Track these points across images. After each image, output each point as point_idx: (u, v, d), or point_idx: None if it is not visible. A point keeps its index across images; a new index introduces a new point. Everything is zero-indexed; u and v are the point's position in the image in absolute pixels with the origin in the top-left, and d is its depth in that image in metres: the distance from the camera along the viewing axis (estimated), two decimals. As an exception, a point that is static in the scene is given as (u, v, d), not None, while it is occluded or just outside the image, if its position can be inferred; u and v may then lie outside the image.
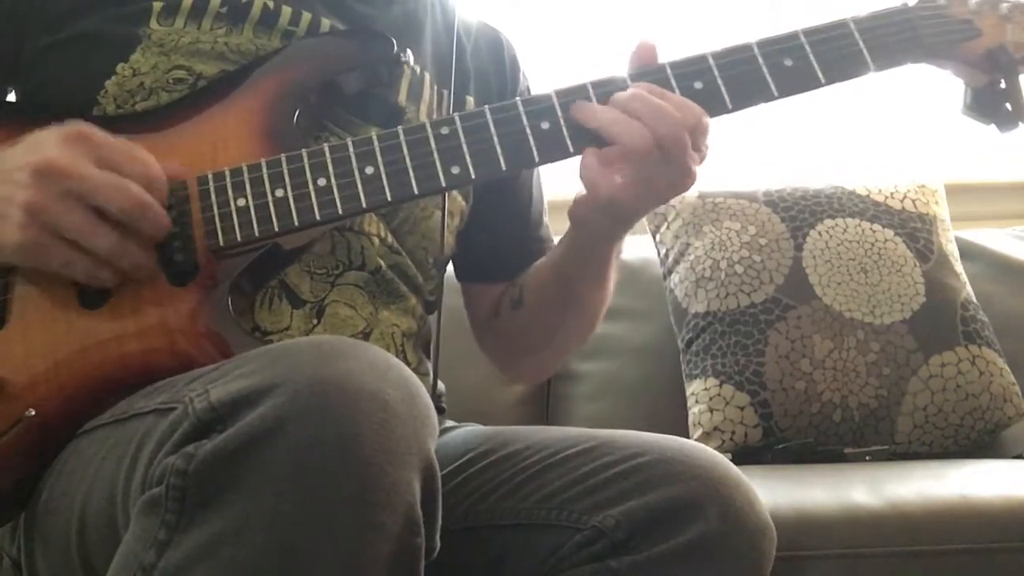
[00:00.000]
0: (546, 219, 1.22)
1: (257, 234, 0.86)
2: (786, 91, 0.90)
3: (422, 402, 0.69)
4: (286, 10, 0.99)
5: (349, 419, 0.63)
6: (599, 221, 0.93)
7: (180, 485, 0.64)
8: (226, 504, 0.63)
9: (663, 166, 0.86)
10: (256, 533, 0.62)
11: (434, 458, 0.69)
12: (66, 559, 0.79)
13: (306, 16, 0.99)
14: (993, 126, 0.95)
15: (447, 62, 1.08)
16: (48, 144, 0.82)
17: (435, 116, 1.05)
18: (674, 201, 1.73)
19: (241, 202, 0.86)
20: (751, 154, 2.07)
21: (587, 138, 0.88)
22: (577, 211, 0.93)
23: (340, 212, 0.87)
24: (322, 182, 0.87)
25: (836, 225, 1.68)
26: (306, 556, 0.62)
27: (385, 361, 0.69)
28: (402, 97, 1.02)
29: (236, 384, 0.66)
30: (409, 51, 1.00)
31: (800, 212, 1.69)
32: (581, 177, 0.88)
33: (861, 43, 0.90)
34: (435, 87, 1.06)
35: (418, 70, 1.04)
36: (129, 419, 0.77)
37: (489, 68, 1.14)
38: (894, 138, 2.16)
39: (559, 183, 1.36)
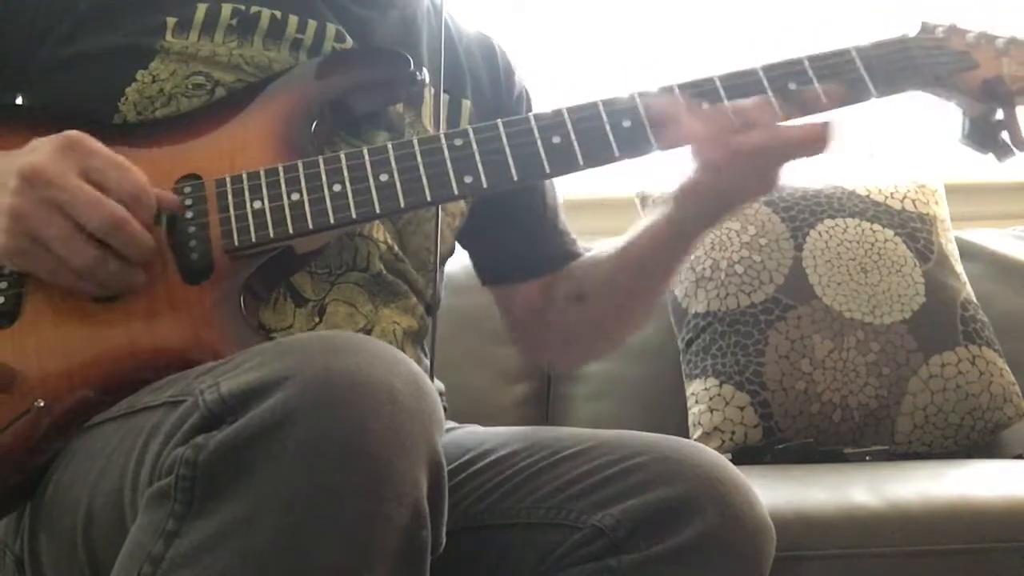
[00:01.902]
0: (559, 202, 1.21)
1: (272, 235, 0.88)
2: (790, 115, 0.93)
3: (430, 397, 0.70)
4: (292, 19, 1.01)
5: (358, 412, 0.64)
6: (708, 198, 0.95)
7: (189, 475, 0.64)
8: (235, 494, 0.63)
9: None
10: (264, 524, 0.63)
11: (441, 453, 0.70)
12: (71, 553, 0.79)
13: (312, 24, 1.01)
14: (991, 155, 0.98)
15: (443, 65, 1.10)
16: (41, 150, 0.83)
17: (434, 119, 1.06)
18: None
19: (257, 204, 0.88)
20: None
21: (594, 154, 0.91)
22: (687, 182, 0.95)
23: (354, 216, 0.89)
24: (337, 187, 0.89)
25: (836, 225, 1.68)
26: (314, 547, 0.63)
27: (393, 356, 0.70)
28: (399, 104, 1.04)
29: (246, 376, 0.67)
30: (425, 69, 1.03)
31: (800, 212, 1.69)
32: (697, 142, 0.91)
33: (863, 70, 0.94)
34: (433, 90, 1.08)
35: (425, 79, 1.06)
36: (138, 412, 0.77)
37: (483, 74, 1.16)
38: (894, 138, 2.15)
39: (567, 184, 1.37)
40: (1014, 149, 0.96)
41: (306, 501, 0.63)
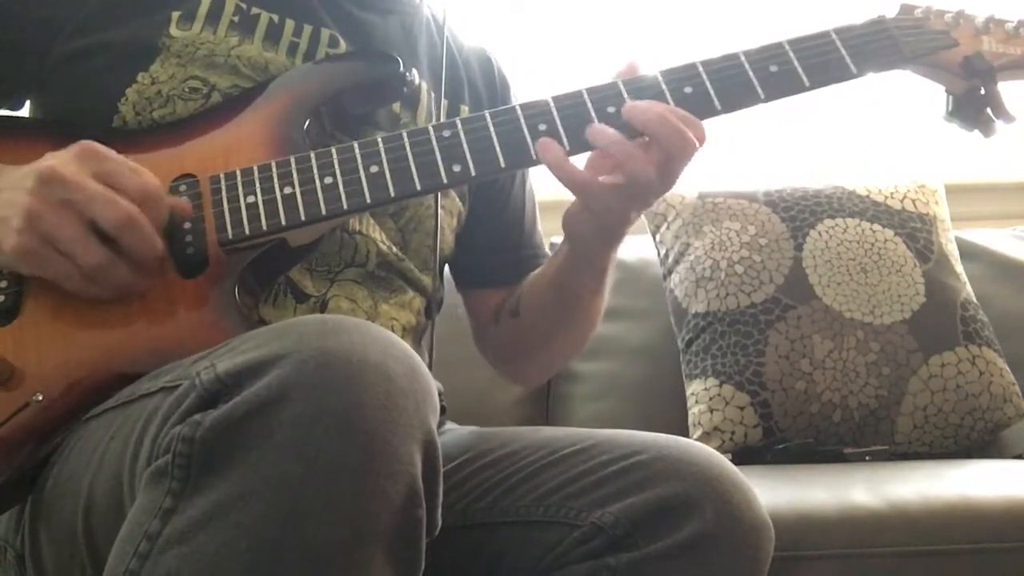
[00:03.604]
0: (539, 227, 1.26)
1: (265, 227, 0.89)
2: (773, 95, 0.94)
3: (424, 378, 0.70)
4: (289, 23, 1.04)
5: (353, 389, 0.65)
6: (591, 230, 0.97)
7: (186, 452, 0.65)
8: (231, 471, 0.64)
9: (659, 178, 0.90)
10: (260, 499, 0.63)
11: (436, 434, 0.70)
12: (71, 544, 0.80)
13: (307, 28, 1.04)
14: (976, 132, 1.00)
15: (440, 69, 1.12)
16: (57, 155, 0.85)
17: (434, 122, 1.07)
18: (674, 201, 1.74)
19: (251, 199, 0.90)
20: (751, 154, 2.07)
21: (581, 140, 0.92)
22: (569, 221, 0.97)
23: (345, 207, 0.90)
24: (328, 180, 0.90)
25: (836, 225, 1.68)
26: (309, 522, 0.63)
27: (387, 337, 0.70)
28: (396, 105, 1.06)
29: (242, 357, 0.68)
30: (415, 70, 1.05)
31: (800, 212, 1.69)
32: (584, 196, 0.92)
33: (843, 50, 0.95)
34: (432, 94, 1.10)
35: (416, 80, 1.08)
36: (136, 400, 0.78)
37: (480, 86, 1.18)
38: (894, 138, 2.16)
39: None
40: (998, 123, 0.98)
41: (300, 477, 0.63)
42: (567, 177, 0.91)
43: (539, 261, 1.21)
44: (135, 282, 0.86)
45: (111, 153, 0.86)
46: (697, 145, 0.89)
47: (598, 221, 0.95)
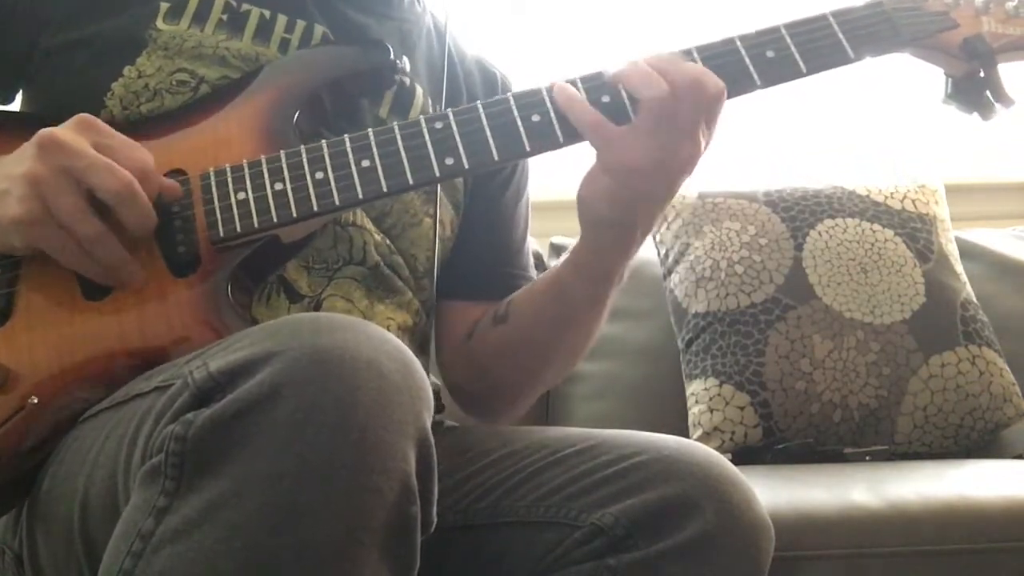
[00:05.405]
0: (528, 248, 1.21)
1: (256, 225, 0.88)
2: (769, 81, 0.92)
3: (418, 375, 0.70)
4: (281, 19, 1.02)
5: (346, 386, 0.65)
6: (605, 192, 0.91)
7: (179, 451, 0.65)
8: (224, 468, 0.64)
9: (676, 130, 0.86)
10: (253, 497, 0.63)
11: (429, 431, 0.70)
12: (68, 543, 0.80)
13: (300, 24, 1.03)
14: (975, 115, 0.98)
15: (440, 77, 1.11)
16: (56, 128, 0.85)
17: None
18: (674, 201, 1.74)
19: (241, 195, 0.89)
20: (751, 154, 2.07)
21: (576, 132, 0.90)
22: (585, 184, 0.92)
23: (337, 203, 0.89)
24: (319, 175, 0.89)
25: (836, 225, 1.68)
26: (302, 520, 0.63)
27: (381, 335, 0.70)
28: (384, 111, 1.04)
29: (235, 355, 0.67)
30: (405, 58, 1.03)
31: (800, 212, 1.69)
32: (594, 139, 0.89)
33: (840, 34, 0.93)
34: (429, 99, 1.08)
35: (408, 81, 1.07)
36: (130, 400, 0.78)
37: (480, 97, 1.14)
38: (894, 138, 2.16)
39: (561, 184, 1.37)
40: (997, 106, 0.96)
41: (294, 474, 0.63)
42: (581, 118, 0.88)
43: (524, 282, 1.15)
44: (126, 260, 0.86)
45: (108, 127, 0.87)
46: (664, 84, 0.85)
47: (612, 184, 0.90)
